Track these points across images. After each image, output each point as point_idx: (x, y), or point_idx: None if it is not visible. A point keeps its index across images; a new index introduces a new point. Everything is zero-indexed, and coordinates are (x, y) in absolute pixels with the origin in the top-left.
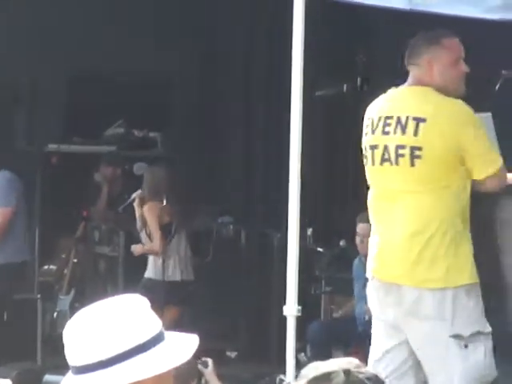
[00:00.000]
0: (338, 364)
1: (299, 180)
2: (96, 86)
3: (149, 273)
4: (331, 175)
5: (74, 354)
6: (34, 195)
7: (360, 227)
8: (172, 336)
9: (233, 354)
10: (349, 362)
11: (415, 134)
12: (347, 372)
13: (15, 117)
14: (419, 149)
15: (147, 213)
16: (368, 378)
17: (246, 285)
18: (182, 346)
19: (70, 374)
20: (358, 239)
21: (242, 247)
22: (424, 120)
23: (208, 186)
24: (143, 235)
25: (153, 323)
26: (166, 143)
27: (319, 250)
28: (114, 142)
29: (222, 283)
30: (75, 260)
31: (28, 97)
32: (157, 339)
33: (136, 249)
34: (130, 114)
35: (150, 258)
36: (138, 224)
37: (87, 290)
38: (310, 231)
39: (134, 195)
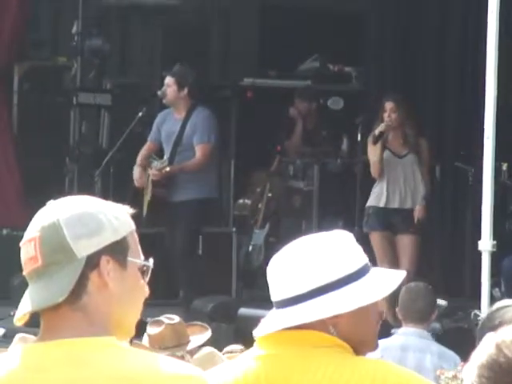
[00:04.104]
0: None
1: (495, 113)
2: (291, 21)
3: (374, 201)
4: None
5: (282, 287)
6: (229, 129)
7: None
8: (377, 270)
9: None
10: None
11: None
12: None
13: (209, 51)
14: None
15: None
16: None
17: (440, 219)
18: (387, 278)
19: (274, 310)
20: None
21: (436, 182)
22: None
23: None
24: None
25: (359, 256)
26: (361, 78)
27: None
28: (309, 76)
29: None
30: (270, 194)
31: (222, 31)
32: (364, 270)
33: None
34: (325, 48)
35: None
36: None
37: (282, 224)
38: (505, 166)
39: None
